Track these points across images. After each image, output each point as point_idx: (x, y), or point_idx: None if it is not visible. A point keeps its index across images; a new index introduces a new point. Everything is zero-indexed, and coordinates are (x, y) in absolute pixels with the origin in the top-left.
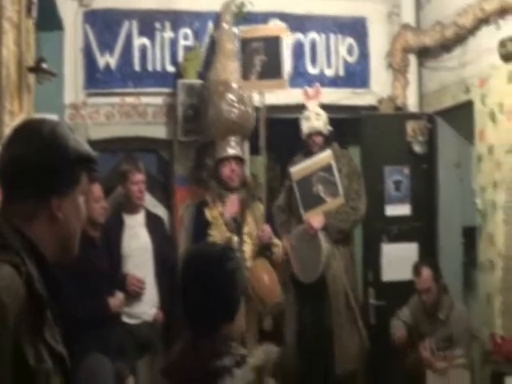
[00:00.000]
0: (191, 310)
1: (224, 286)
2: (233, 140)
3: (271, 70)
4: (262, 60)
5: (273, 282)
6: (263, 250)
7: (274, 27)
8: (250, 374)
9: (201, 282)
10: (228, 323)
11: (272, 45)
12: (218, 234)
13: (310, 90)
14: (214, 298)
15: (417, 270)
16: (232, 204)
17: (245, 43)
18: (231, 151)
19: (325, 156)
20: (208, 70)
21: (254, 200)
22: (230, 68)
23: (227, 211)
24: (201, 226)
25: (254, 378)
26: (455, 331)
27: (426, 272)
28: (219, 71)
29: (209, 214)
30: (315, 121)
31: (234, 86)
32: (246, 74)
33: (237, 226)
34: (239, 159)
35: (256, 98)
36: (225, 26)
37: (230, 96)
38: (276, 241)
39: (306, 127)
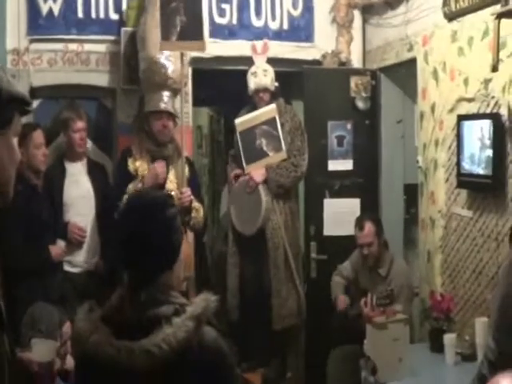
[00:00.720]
0: (130, 257)
1: (164, 233)
2: (166, 95)
3: (191, 31)
4: (182, 21)
5: (186, 255)
6: (182, 214)
7: None
8: (190, 322)
9: (140, 229)
10: (167, 271)
11: (192, 5)
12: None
13: (258, 45)
14: (153, 246)
15: (359, 224)
16: (153, 174)
17: (164, 3)
18: (164, 106)
19: (269, 110)
20: (142, 20)
21: (180, 158)
22: None
23: (148, 180)
24: (122, 177)
25: (193, 326)
26: (395, 286)
27: (369, 226)
28: (156, 22)
29: (132, 165)
30: (262, 77)
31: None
32: (165, 35)
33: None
34: (171, 115)
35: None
36: None
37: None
38: (196, 204)
39: (252, 83)
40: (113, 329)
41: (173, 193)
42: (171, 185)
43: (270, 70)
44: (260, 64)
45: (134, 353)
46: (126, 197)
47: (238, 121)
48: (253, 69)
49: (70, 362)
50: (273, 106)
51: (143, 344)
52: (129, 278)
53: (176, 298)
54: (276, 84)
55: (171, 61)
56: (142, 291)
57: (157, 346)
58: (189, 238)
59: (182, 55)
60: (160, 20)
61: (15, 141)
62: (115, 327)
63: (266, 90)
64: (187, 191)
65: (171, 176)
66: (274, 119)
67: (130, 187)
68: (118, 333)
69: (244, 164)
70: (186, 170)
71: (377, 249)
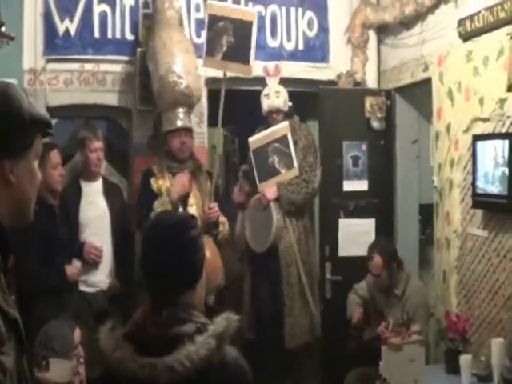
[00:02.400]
0: (153, 277)
1: (187, 253)
2: (181, 111)
3: (238, 54)
4: (230, 41)
5: (215, 263)
6: (210, 228)
7: (246, 11)
8: (212, 340)
9: (163, 249)
10: (189, 291)
11: (242, 29)
12: (161, 207)
13: (271, 67)
14: (176, 266)
15: (369, 253)
16: (179, 184)
17: (212, 20)
18: (180, 123)
19: (281, 127)
20: (151, 42)
21: (202, 172)
22: (175, 37)
23: (175, 191)
24: (146, 196)
25: (215, 344)
26: (411, 305)
27: (377, 260)
28: (164, 41)
29: (155, 184)
30: (275, 98)
31: (181, 56)
32: (210, 51)
33: (182, 198)
34: (188, 130)
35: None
36: None
37: (177, 67)
38: (222, 219)
39: (265, 105)
40: (135, 346)
41: (194, 208)
42: (194, 199)
43: (283, 92)
44: (272, 85)
45: (156, 369)
46: (152, 214)
47: (251, 139)
48: (265, 90)
49: (82, 370)
50: (285, 123)
51: (166, 360)
52: (151, 298)
53: (198, 317)
54: (290, 104)
55: (184, 77)
56: (165, 310)
57: (179, 362)
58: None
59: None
60: (206, 36)
61: (36, 163)
62: (138, 345)
63: (279, 110)
64: (215, 206)
65: (194, 191)
66: (285, 137)
67: (156, 204)
68: (141, 350)
69: (257, 182)
70: (208, 183)
71: (386, 279)
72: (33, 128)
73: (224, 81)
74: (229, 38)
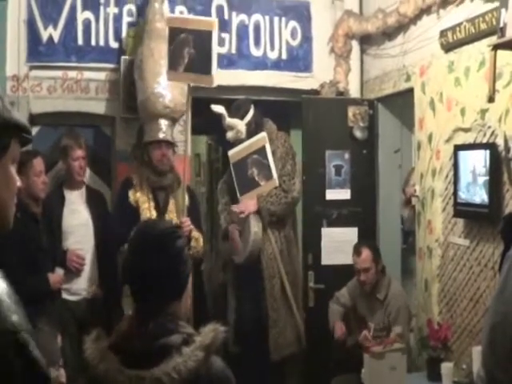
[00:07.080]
0: (139, 287)
1: (173, 264)
2: (164, 123)
3: (200, 65)
4: (191, 53)
5: None
6: None
7: (205, 20)
8: (199, 352)
9: (150, 259)
10: (176, 301)
11: (202, 39)
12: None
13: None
14: (162, 277)
15: (357, 249)
16: None
17: (173, 33)
18: (162, 135)
19: (259, 139)
20: (139, 50)
21: (180, 187)
22: (163, 49)
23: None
24: (122, 208)
25: (202, 356)
26: (393, 309)
27: (366, 252)
28: (152, 51)
29: (132, 196)
30: (229, 132)
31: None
32: (173, 64)
33: (159, 213)
34: (169, 143)
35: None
36: (156, 5)
37: (163, 79)
38: (196, 234)
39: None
40: (121, 357)
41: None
42: (171, 214)
43: (234, 124)
44: (228, 122)
45: (144, 381)
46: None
47: (230, 152)
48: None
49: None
50: (263, 135)
51: (154, 373)
52: (137, 308)
53: (184, 327)
54: (251, 113)
55: (169, 90)
56: (151, 321)
57: (167, 374)
58: None
59: (189, 86)
60: (168, 49)
61: (13, 169)
62: (124, 356)
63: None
64: (187, 221)
65: (171, 206)
66: (263, 148)
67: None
68: (127, 361)
69: (238, 195)
70: (186, 198)
71: (374, 275)
72: (6, 132)
73: (189, 92)
74: (190, 50)
